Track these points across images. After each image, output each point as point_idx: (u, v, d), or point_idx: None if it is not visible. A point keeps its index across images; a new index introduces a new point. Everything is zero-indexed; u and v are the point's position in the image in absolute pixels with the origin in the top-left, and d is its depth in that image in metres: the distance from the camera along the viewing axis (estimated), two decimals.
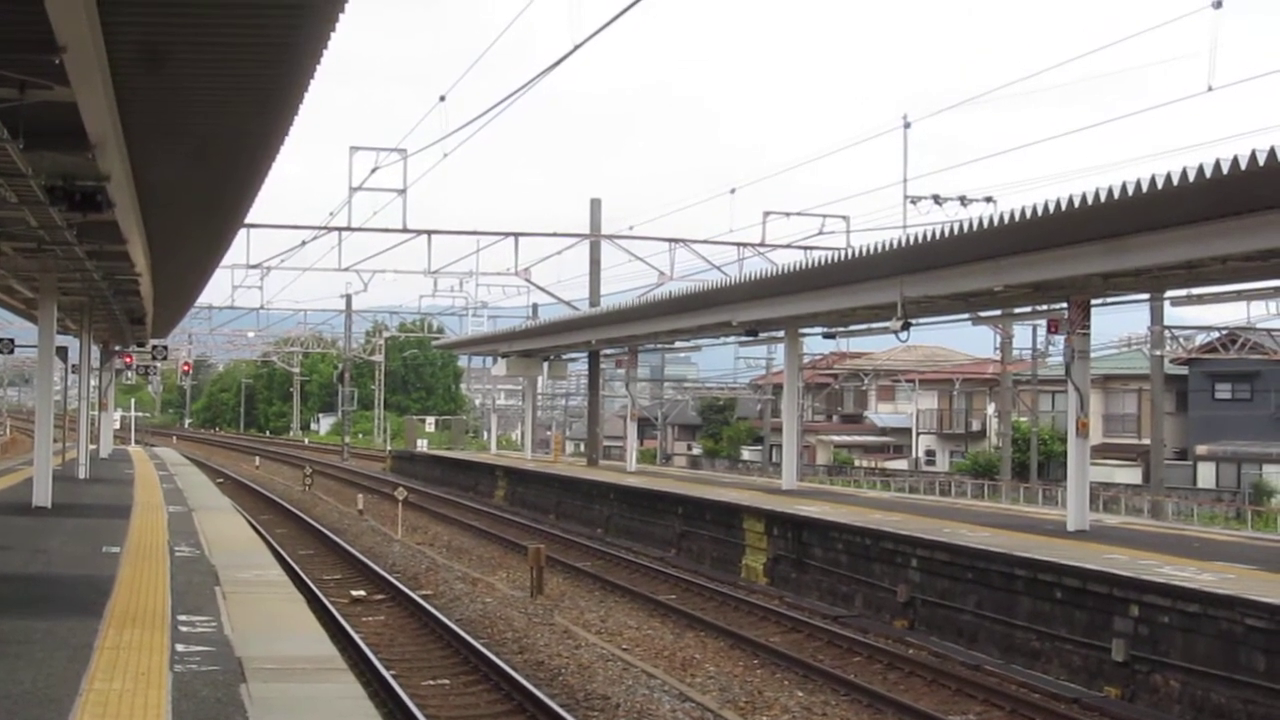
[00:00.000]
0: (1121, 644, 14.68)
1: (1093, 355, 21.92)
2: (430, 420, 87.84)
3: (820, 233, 34.42)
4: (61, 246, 18.14)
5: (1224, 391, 54.30)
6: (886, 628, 18.94)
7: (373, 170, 30.87)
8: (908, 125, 29.78)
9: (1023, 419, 56.71)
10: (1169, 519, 35.90)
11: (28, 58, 9.15)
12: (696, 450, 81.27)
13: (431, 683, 14.67)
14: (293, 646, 10.11)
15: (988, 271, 20.24)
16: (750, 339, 35.13)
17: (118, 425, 64.59)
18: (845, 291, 24.67)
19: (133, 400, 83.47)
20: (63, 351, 29.44)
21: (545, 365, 51.55)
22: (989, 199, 30.78)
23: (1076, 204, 15.52)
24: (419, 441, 69.46)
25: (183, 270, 25.61)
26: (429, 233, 35.60)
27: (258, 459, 65.23)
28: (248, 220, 24.57)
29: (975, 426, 68.10)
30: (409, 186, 31.49)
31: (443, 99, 25.25)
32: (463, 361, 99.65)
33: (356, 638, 16.23)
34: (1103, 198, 15.07)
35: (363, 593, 21.32)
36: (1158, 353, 42.11)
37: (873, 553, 20.42)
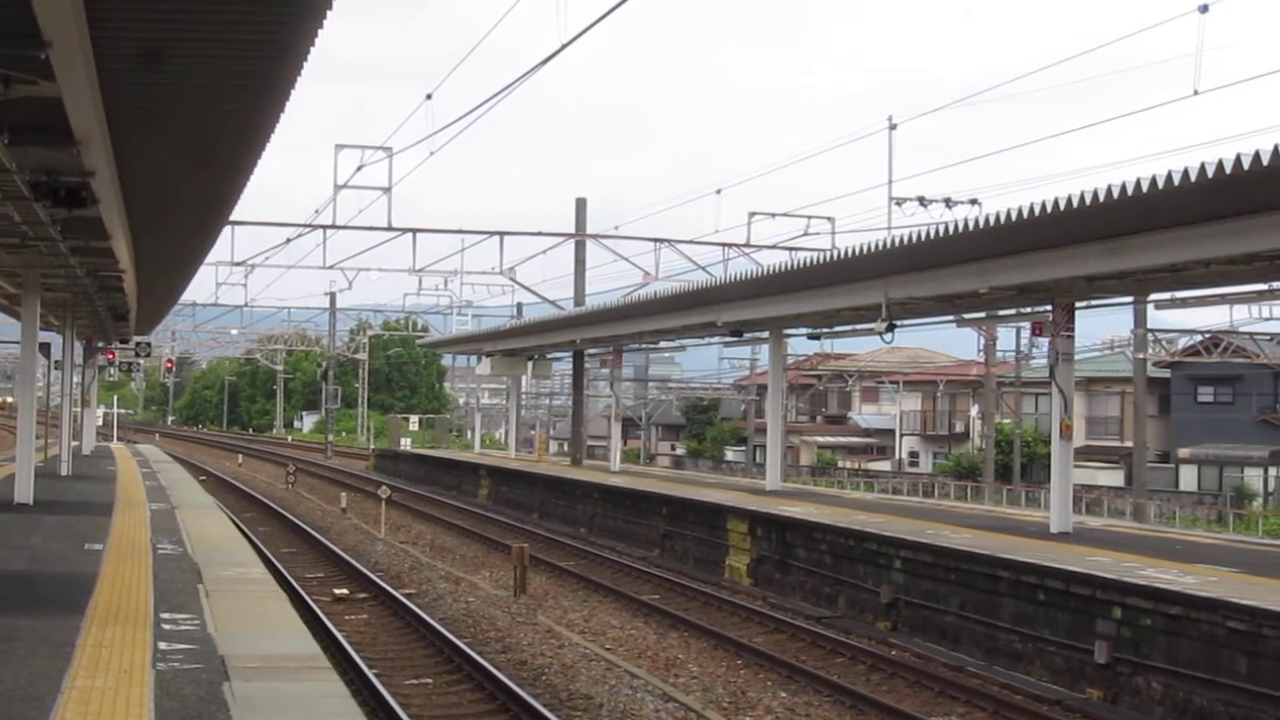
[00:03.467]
0: (1104, 646, 14.72)
1: (1076, 358, 21.98)
2: (414, 419, 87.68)
3: (805, 234, 34.47)
4: (45, 242, 18.06)
5: (1206, 395, 54.52)
6: (870, 629, 18.97)
7: (358, 168, 30.79)
8: (893, 127, 29.84)
9: (1006, 421, 56.86)
10: (1151, 521, 36.00)
11: (12, 52, 9.09)
12: (680, 450, 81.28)
13: (414, 682, 14.64)
14: (276, 644, 10.08)
15: (972, 273, 20.28)
16: (735, 339, 35.16)
17: (100, 422, 64.34)
18: (830, 293, 24.70)
19: (115, 397, 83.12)
20: (45, 348, 29.31)
21: (529, 364, 51.51)
22: (974, 201, 30.85)
23: (1062, 207, 15.56)
24: (402, 440, 69.32)
25: (167, 267, 25.52)
26: (414, 231, 35.57)
27: (240, 457, 65.07)
28: (232, 217, 24.49)
29: (959, 428, 68.25)
30: (394, 185, 31.44)
31: (429, 97, 25.22)
32: (447, 360, 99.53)
33: (339, 636, 16.19)
34: (1088, 201, 15.12)
35: (346, 591, 21.27)
36: (1141, 356, 42.24)
37: (856, 554, 20.44)
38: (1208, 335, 46.18)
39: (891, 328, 23.28)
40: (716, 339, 37.93)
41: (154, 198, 16.30)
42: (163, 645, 9.53)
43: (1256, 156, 12.72)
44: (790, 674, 15.83)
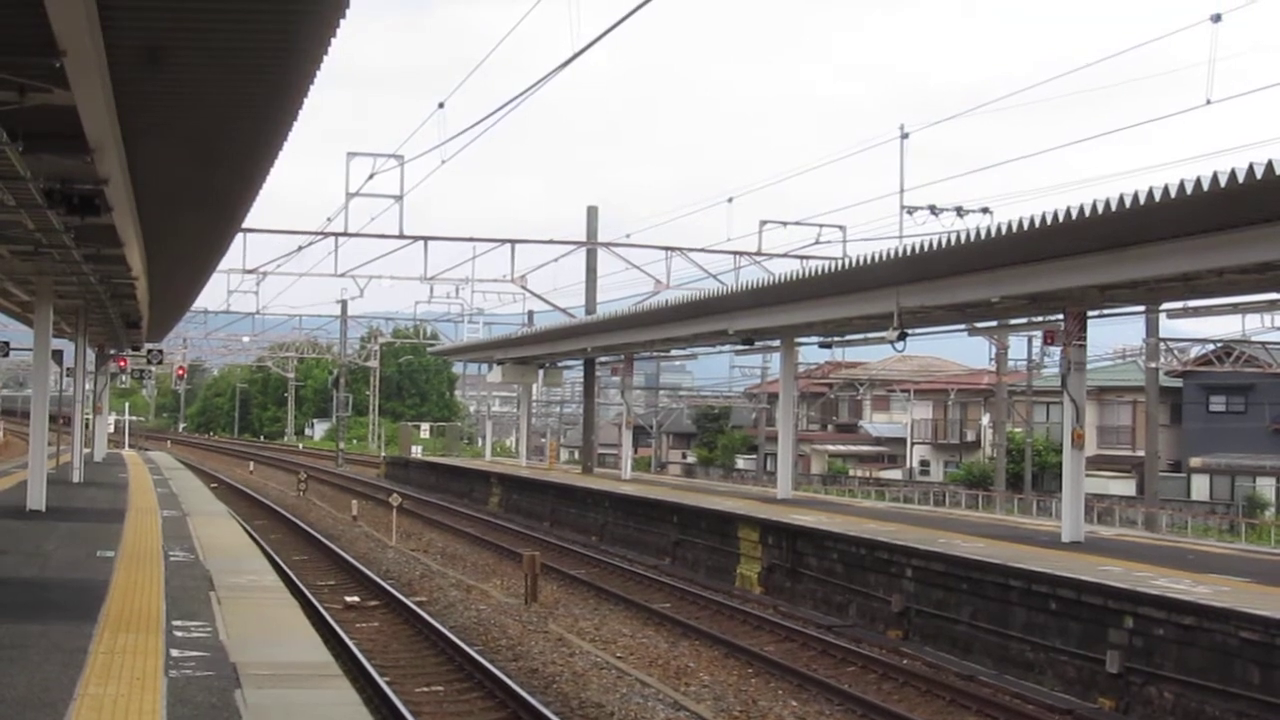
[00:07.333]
0: (1116, 656, 14.68)
1: (1088, 367, 21.93)
2: (425, 427, 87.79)
3: (817, 242, 34.39)
4: (58, 250, 18.11)
5: (1218, 404, 54.38)
6: (881, 638, 18.93)
7: (370, 176, 30.78)
8: (905, 136, 29.81)
9: (1017, 430, 56.75)
10: (1163, 531, 35.91)
11: (28, 61, 9.14)
12: (691, 458, 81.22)
13: (426, 689, 14.65)
14: (287, 652, 10.10)
15: (984, 282, 20.25)
16: (746, 348, 35.11)
17: (112, 429, 64.45)
18: (841, 301, 24.68)
19: (127, 404, 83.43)
20: (58, 355, 29.38)
21: (540, 372, 51.49)
22: (985, 210, 30.77)
23: (1074, 216, 15.53)
24: (413, 448, 69.38)
25: (179, 274, 25.59)
26: (425, 239, 35.55)
27: (252, 464, 65.15)
28: (245, 224, 24.56)
29: (970, 437, 68.11)
30: (406, 193, 31.40)
31: (441, 106, 25.24)
32: (458, 368, 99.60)
33: (351, 644, 16.21)
34: (1100, 210, 15.09)
35: (357, 599, 21.28)
36: (1153, 365, 42.18)
37: (867, 562, 20.41)
38: (1220, 344, 46.07)
39: (903, 336, 23.25)
40: (728, 347, 37.92)
41: (166, 205, 16.35)
42: (175, 652, 9.55)
43: (1269, 166, 12.70)
44: (801, 683, 15.81)
